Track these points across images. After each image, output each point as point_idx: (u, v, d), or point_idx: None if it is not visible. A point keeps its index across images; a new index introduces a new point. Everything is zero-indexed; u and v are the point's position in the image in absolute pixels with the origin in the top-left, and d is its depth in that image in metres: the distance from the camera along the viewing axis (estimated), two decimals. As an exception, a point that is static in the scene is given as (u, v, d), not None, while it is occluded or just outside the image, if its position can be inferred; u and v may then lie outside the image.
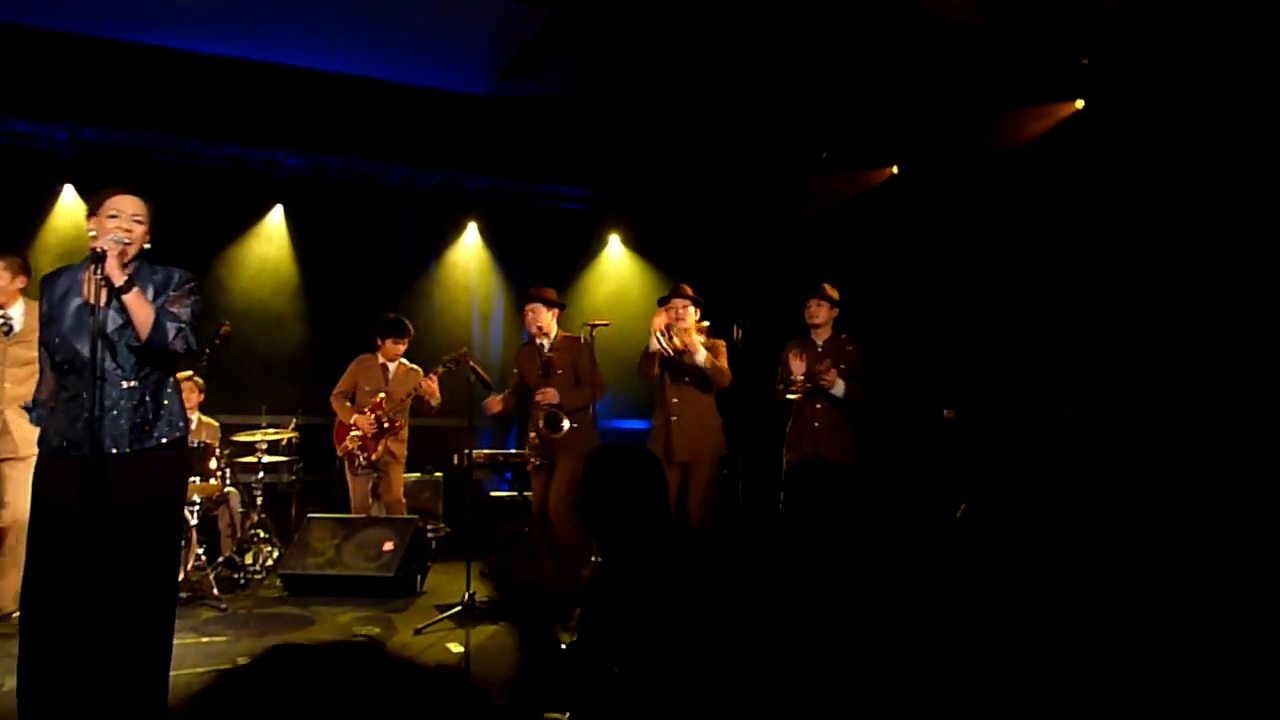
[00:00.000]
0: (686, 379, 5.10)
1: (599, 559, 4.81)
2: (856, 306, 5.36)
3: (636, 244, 8.58)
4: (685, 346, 4.96)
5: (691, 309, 5.14)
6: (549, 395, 5.07)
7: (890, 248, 6.40)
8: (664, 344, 4.97)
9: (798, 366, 5.05)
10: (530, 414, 5.15)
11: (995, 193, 5.64)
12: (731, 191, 7.86)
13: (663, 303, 5.18)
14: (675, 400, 5.11)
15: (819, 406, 5.05)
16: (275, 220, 7.68)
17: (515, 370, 5.33)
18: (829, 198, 6.84)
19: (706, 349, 5.04)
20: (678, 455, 5.01)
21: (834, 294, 5.21)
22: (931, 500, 5.20)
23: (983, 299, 5.65)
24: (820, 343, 5.20)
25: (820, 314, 5.20)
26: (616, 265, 8.63)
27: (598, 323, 5.22)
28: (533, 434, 5.09)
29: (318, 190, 7.65)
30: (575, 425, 5.08)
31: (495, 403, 5.23)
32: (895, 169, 6.56)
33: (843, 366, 5.04)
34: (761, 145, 7.11)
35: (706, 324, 5.13)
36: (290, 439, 6.36)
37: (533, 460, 5.10)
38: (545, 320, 5.21)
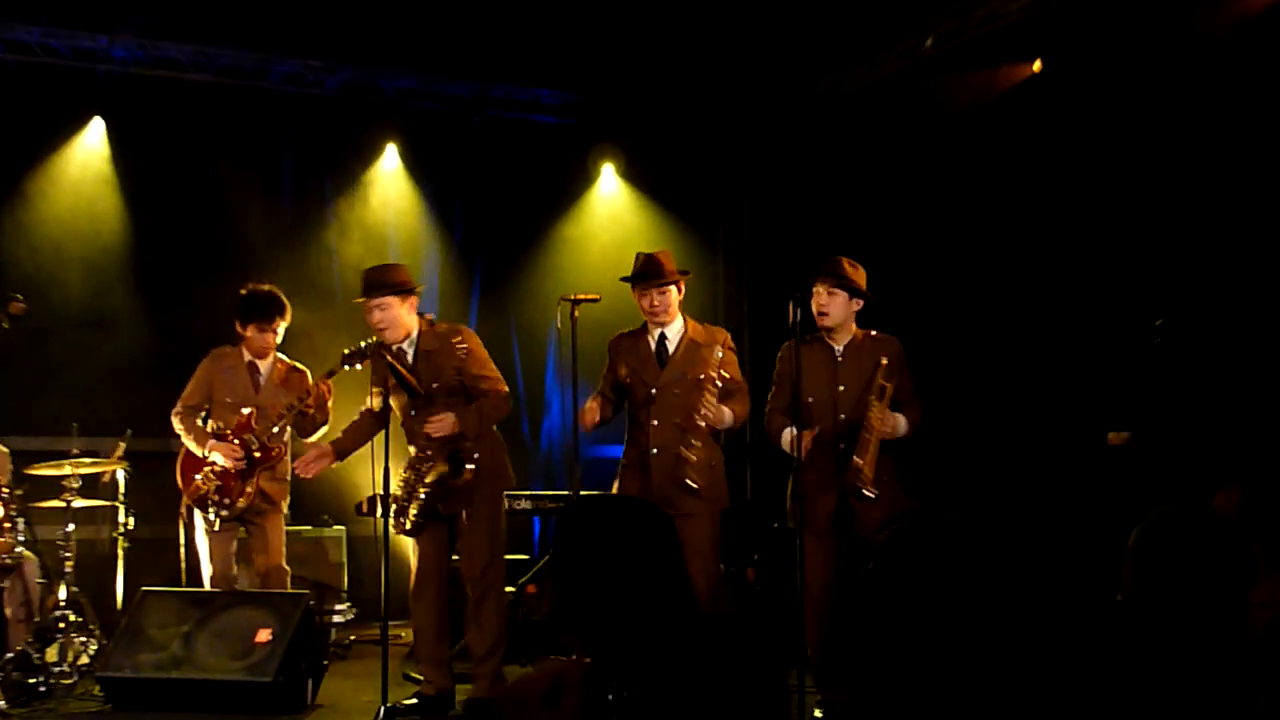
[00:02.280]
0: (675, 393, 5.27)
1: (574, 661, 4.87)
2: (971, 279, 5.73)
3: (639, 176, 8.66)
4: (709, 421, 5.16)
5: (672, 291, 5.31)
6: (444, 424, 5.24)
7: (1029, 179, 6.61)
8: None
9: (807, 444, 5.00)
10: (407, 450, 5.35)
11: (1197, 103, 5.83)
12: (783, 96, 8.00)
13: (634, 284, 5.33)
14: (656, 424, 5.25)
15: (843, 446, 5.12)
16: (93, 141, 7.75)
17: (378, 392, 5.49)
18: (939, 104, 7.10)
19: (722, 381, 5.24)
20: (660, 505, 5.09)
21: (858, 275, 5.23)
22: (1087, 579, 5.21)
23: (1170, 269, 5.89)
24: (839, 348, 5.23)
25: (834, 306, 5.18)
26: (611, 207, 8.73)
27: (583, 296, 5.29)
28: (405, 483, 5.32)
29: (156, 95, 7.70)
30: (477, 455, 5.30)
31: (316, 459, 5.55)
32: (1039, 65, 6.75)
33: (883, 384, 5.06)
34: (823, 26, 7.30)
35: (719, 349, 5.28)
36: (115, 474, 6.39)
37: (413, 515, 5.31)
38: (393, 316, 5.40)
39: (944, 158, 7.12)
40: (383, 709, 4.98)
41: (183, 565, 6.51)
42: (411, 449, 5.44)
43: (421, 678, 5.61)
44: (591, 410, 5.36)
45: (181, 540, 6.49)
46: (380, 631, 5.26)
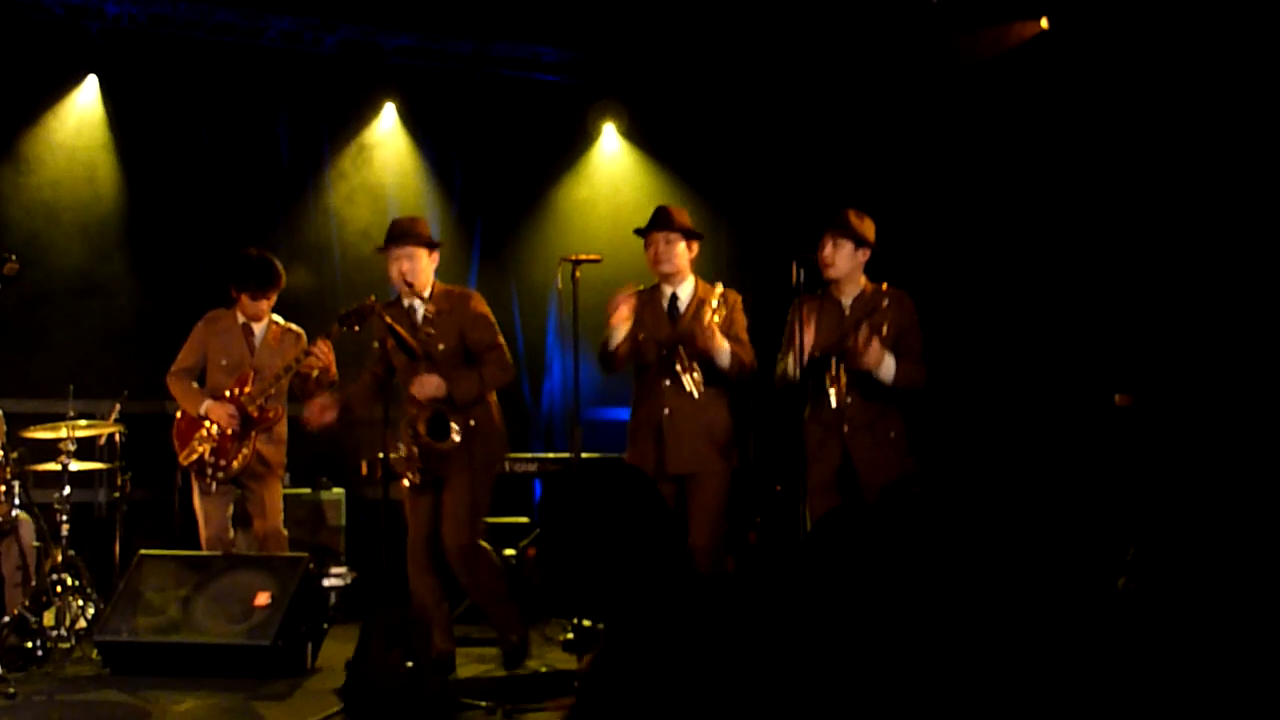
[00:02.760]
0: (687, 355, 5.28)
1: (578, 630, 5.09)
2: (979, 239, 5.79)
3: (642, 135, 8.63)
4: (707, 349, 5.15)
5: (680, 244, 5.31)
6: (427, 386, 5.23)
7: (1038, 136, 6.64)
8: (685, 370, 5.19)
9: (811, 338, 5.09)
10: (397, 411, 5.32)
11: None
12: (786, 57, 7.94)
13: (643, 235, 5.36)
14: (667, 384, 5.25)
15: (850, 398, 5.12)
16: (87, 100, 7.71)
17: (378, 350, 5.45)
18: (943, 62, 7.13)
19: (725, 333, 5.19)
20: (673, 466, 5.18)
21: (864, 226, 5.22)
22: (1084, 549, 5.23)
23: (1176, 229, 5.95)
24: (847, 302, 5.24)
25: (839, 258, 5.20)
26: (612, 167, 8.69)
27: (584, 257, 5.27)
28: (405, 441, 5.30)
29: (151, 54, 7.66)
30: (473, 423, 5.28)
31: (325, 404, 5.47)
32: (1045, 22, 6.77)
33: (884, 333, 5.08)
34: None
35: (720, 289, 5.26)
36: (112, 437, 6.39)
37: (409, 477, 5.32)
38: (420, 268, 5.40)
39: (953, 116, 7.10)
40: None
41: (179, 529, 6.52)
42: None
43: None
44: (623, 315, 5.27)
45: (178, 503, 6.49)
46: (381, 595, 5.24)
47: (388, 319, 5.28)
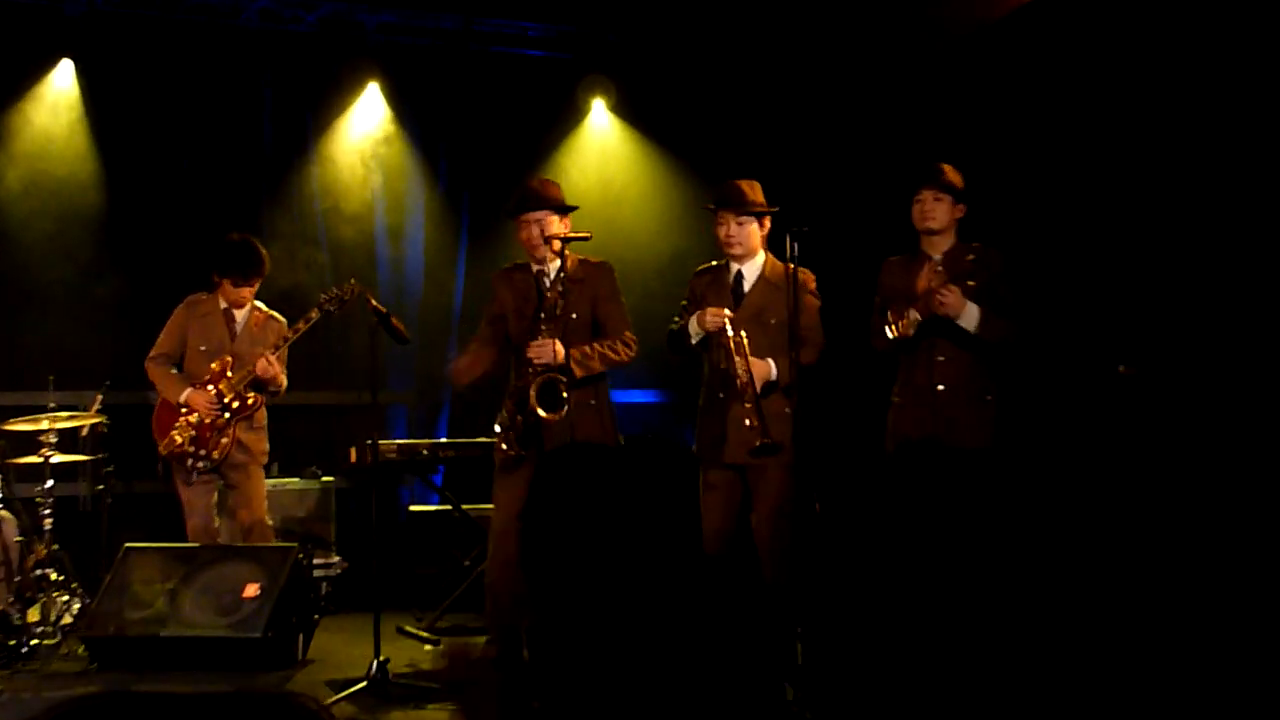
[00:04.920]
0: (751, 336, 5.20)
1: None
2: (984, 208, 5.53)
3: (632, 111, 8.60)
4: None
5: (753, 225, 5.22)
6: (546, 351, 5.06)
7: (1038, 103, 6.54)
8: (734, 352, 5.04)
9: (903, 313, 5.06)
10: (510, 378, 5.25)
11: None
12: (778, 27, 7.92)
13: (720, 207, 5.22)
14: (724, 368, 5.15)
15: (942, 358, 5.09)
16: (63, 84, 7.68)
17: (493, 304, 5.39)
18: (937, 29, 7.08)
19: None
20: (731, 454, 5.11)
21: (958, 180, 5.21)
22: (1098, 512, 5.40)
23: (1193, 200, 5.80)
24: (938, 256, 5.20)
25: (939, 213, 5.18)
26: (602, 144, 8.67)
27: (573, 235, 5.20)
28: (508, 409, 5.14)
29: (127, 35, 7.63)
30: (592, 403, 5.20)
31: (465, 366, 5.31)
32: None
33: (970, 284, 5.05)
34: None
35: (806, 291, 5.16)
36: (95, 428, 6.39)
37: (503, 449, 5.14)
38: (557, 231, 5.24)
39: (951, 82, 7.03)
40: (375, 663, 5.01)
41: (165, 521, 6.47)
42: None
43: (427, 636, 5.64)
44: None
45: (164, 496, 6.45)
46: (373, 587, 5.31)
47: (373, 302, 5.31)
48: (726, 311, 5.10)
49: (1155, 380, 5.44)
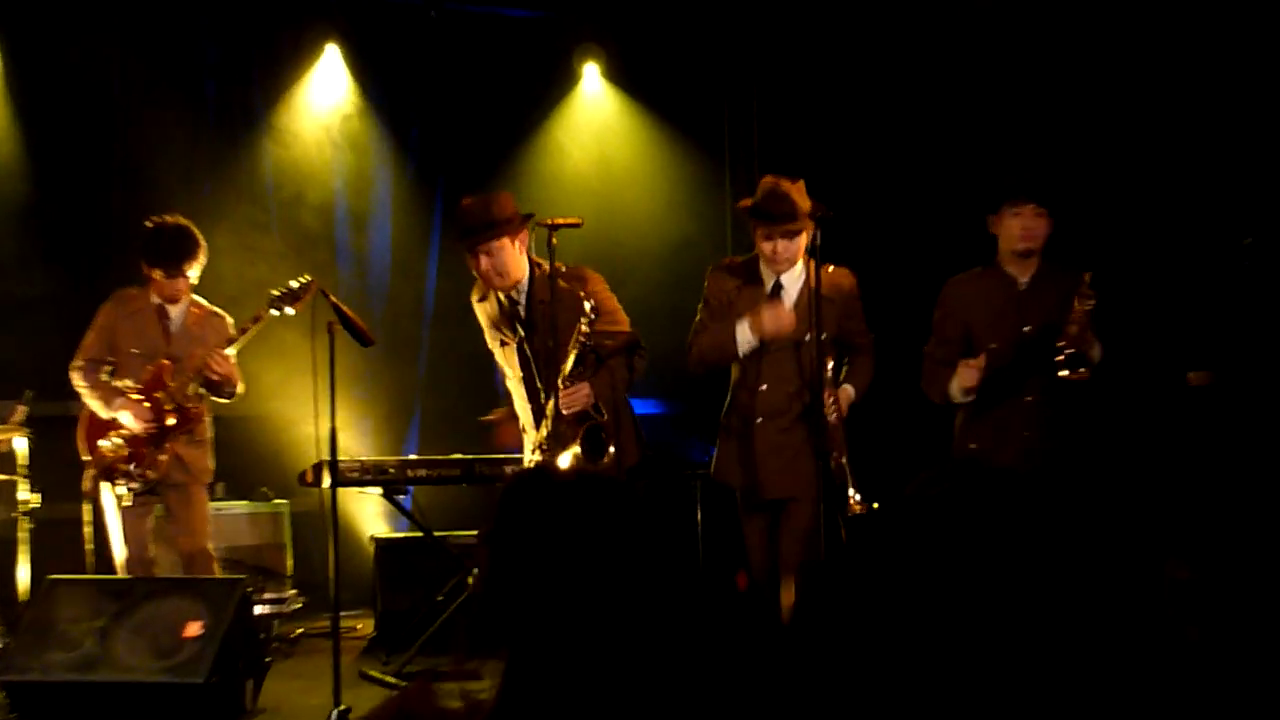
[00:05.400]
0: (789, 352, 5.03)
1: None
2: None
3: (629, 77, 8.36)
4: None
5: (803, 237, 4.87)
6: (575, 397, 4.94)
7: (1081, 68, 6.45)
8: (823, 385, 4.84)
9: (970, 372, 4.81)
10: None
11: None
12: None
13: (757, 217, 4.93)
14: (764, 389, 4.97)
15: (1030, 400, 4.89)
16: None
17: (484, 334, 5.36)
18: None
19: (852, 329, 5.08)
20: (768, 489, 4.96)
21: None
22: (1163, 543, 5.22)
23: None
24: (1024, 280, 4.98)
25: (1041, 232, 4.92)
26: (595, 115, 8.45)
27: (562, 221, 5.00)
28: (540, 452, 5.08)
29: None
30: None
31: (509, 427, 5.36)
32: None
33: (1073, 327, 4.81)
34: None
35: (850, 297, 5.08)
36: (14, 443, 6.18)
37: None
38: (510, 262, 5.09)
39: (976, 44, 6.85)
40: (335, 712, 4.83)
41: (91, 549, 6.23)
42: (531, 429, 5.20)
43: (394, 682, 5.53)
44: None
45: (90, 519, 6.22)
46: (331, 624, 5.19)
47: (333, 299, 5.12)
48: (789, 309, 4.87)
49: (1231, 390, 5.33)
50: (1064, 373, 4.75)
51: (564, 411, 4.94)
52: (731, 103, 8.03)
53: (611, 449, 4.99)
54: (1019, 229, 4.87)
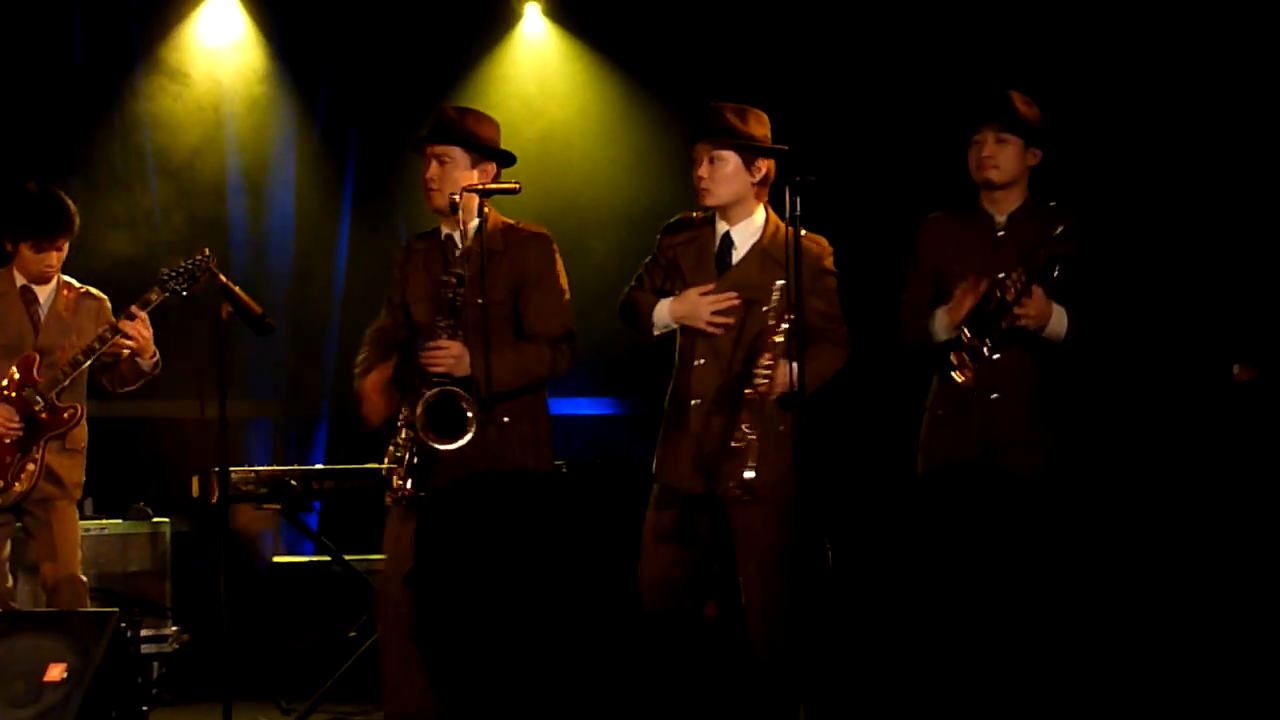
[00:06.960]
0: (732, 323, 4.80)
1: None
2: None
3: (577, 18, 8.07)
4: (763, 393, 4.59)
5: (733, 164, 4.63)
6: (445, 356, 4.60)
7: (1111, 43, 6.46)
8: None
9: (964, 296, 4.63)
10: (406, 386, 4.86)
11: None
12: None
13: (694, 139, 4.72)
14: (701, 364, 4.70)
15: (1001, 363, 4.77)
16: None
17: (393, 287, 5.06)
18: None
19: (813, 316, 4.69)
20: (707, 482, 4.68)
21: (1031, 115, 4.84)
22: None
23: None
24: (1002, 219, 4.83)
25: (1004, 159, 4.77)
26: (539, 62, 8.20)
27: (496, 186, 4.73)
28: (403, 435, 4.74)
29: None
30: (507, 420, 4.71)
31: (373, 388, 4.83)
32: None
33: (1056, 275, 4.66)
34: None
35: (822, 269, 4.76)
36: None
37: (396, 483, 4.77)
38: (453, 177, 4.77)
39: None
40: None
41: None
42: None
43: None
44: None
45: None
46: (220, 665, 5.19)
47: (223, 278, 5.07)
48: (733, 297, 4.57)
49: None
50: (955, 374, 4.67)
51: (427, 368, 4.61)
52: (691, 43, 7.70)
53: (470, 433, 4.54)
54: (975, 157, 4.78)
